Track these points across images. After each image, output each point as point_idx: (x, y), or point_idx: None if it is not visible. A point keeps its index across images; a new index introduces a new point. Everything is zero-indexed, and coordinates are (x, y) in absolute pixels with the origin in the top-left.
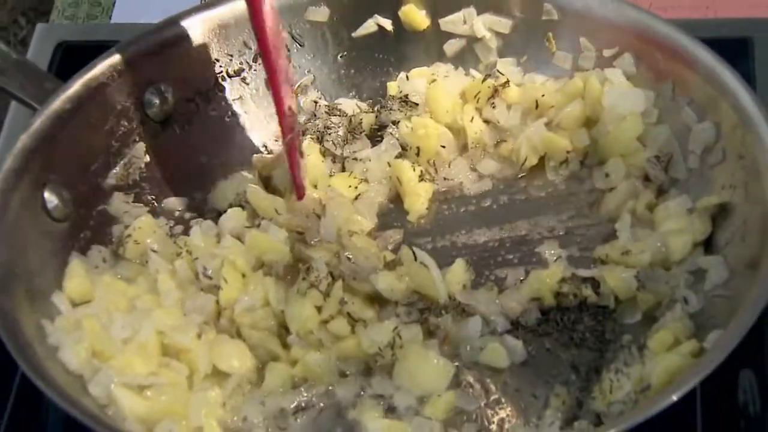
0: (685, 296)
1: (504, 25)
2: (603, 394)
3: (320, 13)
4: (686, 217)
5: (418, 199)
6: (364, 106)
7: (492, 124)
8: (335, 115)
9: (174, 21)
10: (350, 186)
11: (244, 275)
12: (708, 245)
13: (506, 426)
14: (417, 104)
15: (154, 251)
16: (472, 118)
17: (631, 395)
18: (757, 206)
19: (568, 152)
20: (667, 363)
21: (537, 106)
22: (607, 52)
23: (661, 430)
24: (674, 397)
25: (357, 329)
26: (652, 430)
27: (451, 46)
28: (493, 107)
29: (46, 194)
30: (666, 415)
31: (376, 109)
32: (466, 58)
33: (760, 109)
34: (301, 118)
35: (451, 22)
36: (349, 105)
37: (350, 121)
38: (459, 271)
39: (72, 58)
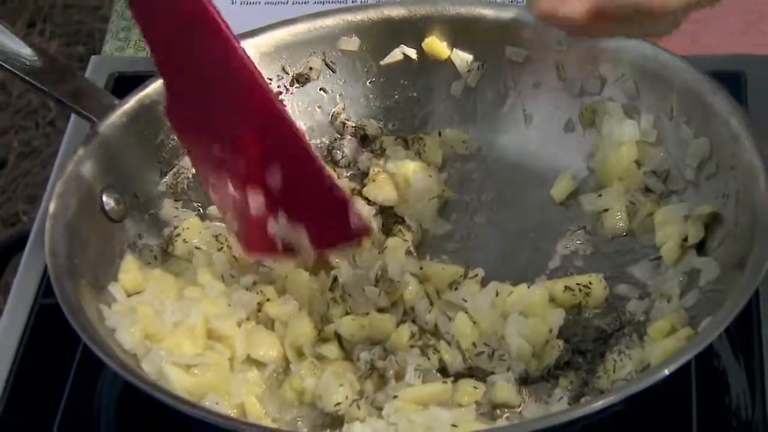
0: (682, 293)
1: (519, 54)
2: (607, 373)
3: (351, 43)
4: (682, 224)
5: None
6: (387, 128)
7: None
8: (360, 135)
9: None
10: None
11: None
12: (701, 247)
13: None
14: None
15: (198, 248)
16: None
17: (632, 374)
18: (747, 211)
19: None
20: (665, 346)
21: None
22: (611, 79)
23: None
24: (666, 371)
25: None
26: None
27: (471, 75)
28: None
29: (104, 197)
30: (662, 417)
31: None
32: None
33: (747, 123)
34: (328, 139)
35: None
36: (373, 126)
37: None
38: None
39: (123, 86)
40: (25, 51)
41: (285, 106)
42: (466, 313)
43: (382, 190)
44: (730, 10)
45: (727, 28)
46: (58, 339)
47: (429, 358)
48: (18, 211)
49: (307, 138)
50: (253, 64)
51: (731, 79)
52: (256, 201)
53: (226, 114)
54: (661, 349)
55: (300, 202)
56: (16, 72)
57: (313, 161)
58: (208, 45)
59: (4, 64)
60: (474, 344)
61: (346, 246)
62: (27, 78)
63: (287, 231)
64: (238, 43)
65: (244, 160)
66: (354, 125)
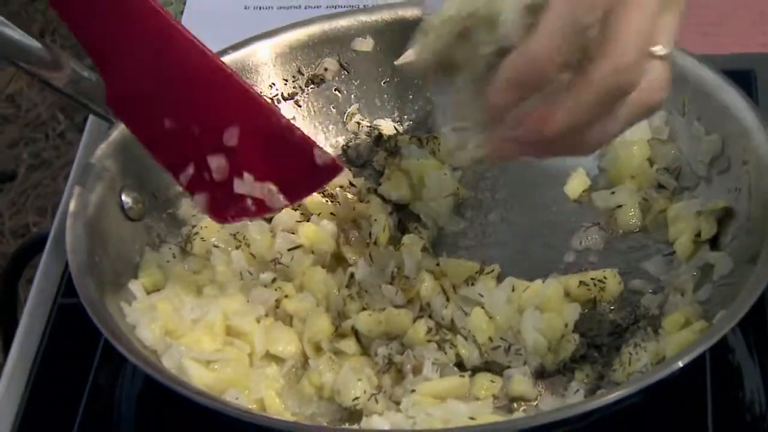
0: (696, 287)
1: None
2: (623, 366)
3: (366, 44)
4: (695, 219)
5: None
6: (401, 128)
7: None
8: (375, 135)
9: (237, 48)
10: None
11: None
12: (714, 242)
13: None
14: None
15: (216, 246)
16: None
17: (648, 366)
18: (759, 205)
19: None
20: (680, 339)
21: None
22: None
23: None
24: (680, 363)
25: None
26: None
27: None
28: None
29: (123, 197)
30: (678, 412)
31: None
32: None
33: (759, 118)
34: (343, 139)
35: None
36: (388, 126)
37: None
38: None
39: None
40: (45, 54)
41: (227, 66)
42: (482, 308)
43: (397, 188)
44: (739, 13)
45: (732, 29)
46: (78, 339)
47: (446, 353)
48: (28, 222)
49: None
50: (187, 30)
51: (741, 77)
52: (217, 165)
53: (169, 85)
54: (675, 341)
55: (264, 158)
56: (37, 74)
57: (269, 115)
58: (141, 24)
59: (25, 67)
60: (490, 339)
61: (319, 189)
62: (47, 80)
63: (255, 189)
64: (170, 17)
65: (198, 126)
66: (369, 125)
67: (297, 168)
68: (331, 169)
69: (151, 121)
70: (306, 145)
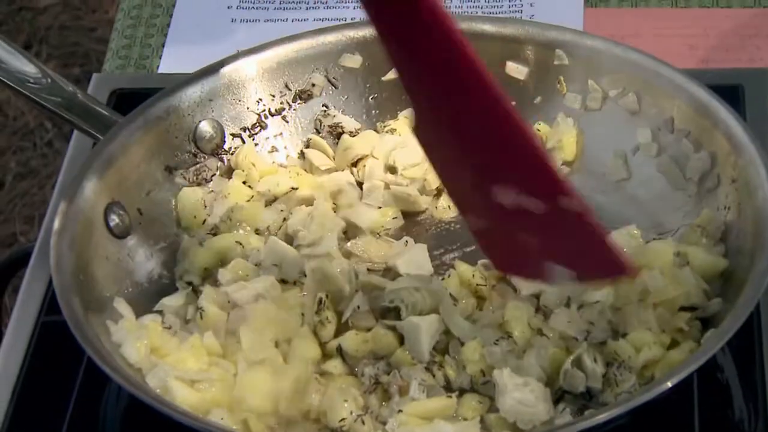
0: None
1: (521, 72)
2: (611, 386)
3: (354, 60)
4: None
5: None
6: None
7: None
8: None
9: (224, 63)
10: None
11: None
12: None
13: None
14: None
15: None
16: None
17: (636, 387)
18: (748, 223)
19: None
20: (669, 359)
21: None
22: (612, 92)
23: None
24: (669, 384)
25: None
26: None
27: None
28: None
29: (108, 214)
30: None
31: None
32: None
33: (749, 136)
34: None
35: None
36: None
37: None
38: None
39: (125, 103)
40: (29, 69)
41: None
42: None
43: None
44: (727, 26)
45: (724, 44)
46: (61, 357)
47: (434, 375)
48: (16, 231)
49: None
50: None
51: (729, 92)
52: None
53: (476, 143)
54: (664, 362)
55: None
56: (20, 90)
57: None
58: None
59: (8, 82)
60: (482, 372)
61: (602, 279)
62: (31, 96)
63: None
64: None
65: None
66: None
67: (585, 252)
68: (621, 270)
69: (451, 163)
70: (598, 231)
